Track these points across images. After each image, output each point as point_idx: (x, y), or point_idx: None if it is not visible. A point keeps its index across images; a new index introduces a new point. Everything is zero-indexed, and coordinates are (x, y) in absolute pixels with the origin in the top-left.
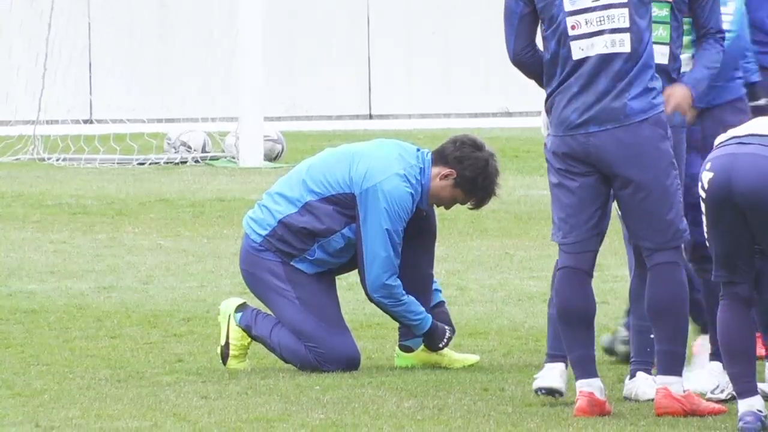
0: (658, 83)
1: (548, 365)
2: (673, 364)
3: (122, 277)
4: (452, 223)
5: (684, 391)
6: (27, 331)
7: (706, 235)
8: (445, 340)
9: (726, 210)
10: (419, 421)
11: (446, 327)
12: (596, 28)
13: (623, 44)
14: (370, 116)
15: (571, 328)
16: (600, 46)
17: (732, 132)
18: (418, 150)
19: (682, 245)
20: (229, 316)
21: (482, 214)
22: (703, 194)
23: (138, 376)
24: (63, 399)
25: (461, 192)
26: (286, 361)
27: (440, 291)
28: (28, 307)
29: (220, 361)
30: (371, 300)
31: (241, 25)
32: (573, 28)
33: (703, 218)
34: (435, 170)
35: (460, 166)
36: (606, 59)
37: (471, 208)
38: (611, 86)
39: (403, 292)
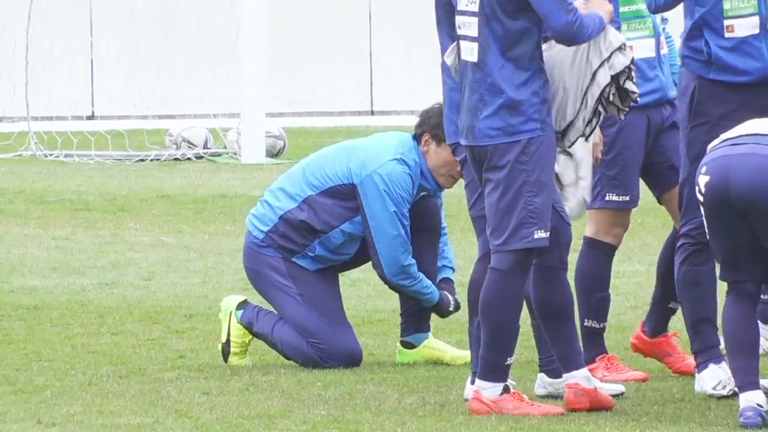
0: (515, 120)
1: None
2: (485, 370)
3: (124, 273)
4: (454, 220)
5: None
6: (29, 327)
7: (708, 237)
8: (453, 304)
9: (724, 211)
10: (421, 418)
11: (449, 295)
12: (461, 32)
13: (473, 53)
14: (372, 112)
15: (549, 324)
16: (463, 52)
17: (724, 135)
18: (414, 138)
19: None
20: (230, 313)
21: None
22: (701, 198)
23: (140, 372)
24: (64, 395)
25: (443, 146)
26: (288, 358)
27: (453, 269)
28: (30, 303)
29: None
30: (390, 284)
31: (242, 20)
32: (459, 28)
33: (704, 221)
34: (422, 148)
35: (426, 123)
36: (464, 66)
37: None
38: (470, 97)
39: (417, 269)
